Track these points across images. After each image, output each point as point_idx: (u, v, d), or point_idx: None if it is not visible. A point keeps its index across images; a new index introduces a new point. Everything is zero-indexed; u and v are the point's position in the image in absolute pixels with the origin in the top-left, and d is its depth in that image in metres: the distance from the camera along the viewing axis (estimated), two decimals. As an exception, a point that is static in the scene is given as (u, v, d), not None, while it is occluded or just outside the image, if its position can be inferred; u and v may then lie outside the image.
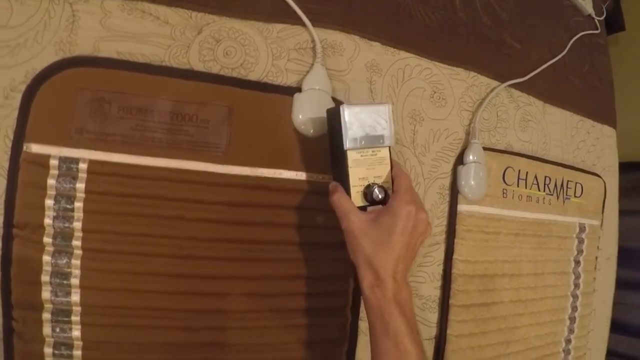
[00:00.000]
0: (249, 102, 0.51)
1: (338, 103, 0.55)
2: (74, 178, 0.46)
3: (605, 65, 0.95)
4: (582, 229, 0.83)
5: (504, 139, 0.74)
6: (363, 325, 0.59)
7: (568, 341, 0.82)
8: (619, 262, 0.97)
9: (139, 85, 0.47)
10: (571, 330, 0.82)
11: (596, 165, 0.89)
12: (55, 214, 0.46)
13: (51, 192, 0.46)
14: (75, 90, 0.46)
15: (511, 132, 0.75)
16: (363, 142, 0.48)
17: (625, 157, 0.99)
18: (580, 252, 0.83)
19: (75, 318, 0.46)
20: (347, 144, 0.47)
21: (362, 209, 0.48)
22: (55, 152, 0.46)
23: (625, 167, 1.00)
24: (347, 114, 0.47)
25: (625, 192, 0.98)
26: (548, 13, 0.86)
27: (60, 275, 0.46)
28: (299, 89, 0.54)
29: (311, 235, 0.54)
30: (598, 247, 0.87)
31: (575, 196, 0.82)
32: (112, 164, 0.47)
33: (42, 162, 0.45)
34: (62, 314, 0.46)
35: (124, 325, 0.48)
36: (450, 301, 0.65)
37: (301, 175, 0.54)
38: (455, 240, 0.66)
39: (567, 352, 0.82)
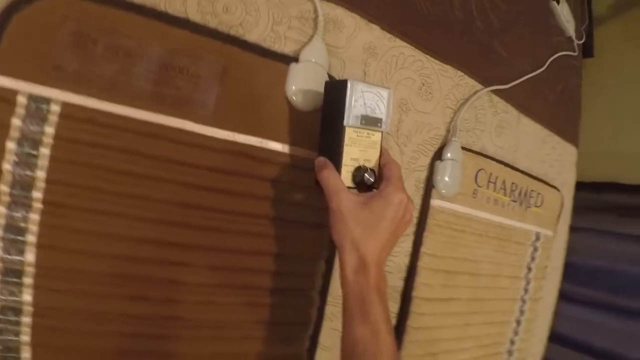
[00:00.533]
0: (244, 64, 0.48)
1: (332, 79, 0.54)
2: (43, 120, 0.41)
3: (577, 86, 1.00)
4: (537, 237, 0.87)
5: (480, 141, 0.76)
6: (328, 310, 0.58)
7: (512, 343, 0.85)
8: (564, 276, 1.02)
9: (130, 26, 0.43)
10: (516, 333, 0.86)
11: (556, 180, 0.93)
12: (16, 158, 0.40)
13: (15, 133, 0.40)
14: (58, 21, 0.41)
15: (487, 136, 0.77)
16: (363, 122, 0.47)
17: (582, 177, 1.04)
18: (533, 259, 0.86)
19: (28, 280, 0.41)
20: (350, 120, 0.46)
21: (350, 189, 0.47)
22: (25, 88, 0.40)
23: (577, 187, 1.05)
24: (354, 90, 0.46)
25: (577, 209, 1.04)
26: (535, 27, 0.89)
27: (15, 230, 0.41)
28: (295, 59, 0.52)
29: (288, 212, 0.53)
30: (548, 257, 0.91)
31: (535, 205, 0.85)
32: (88, 109, 0.42)
33: (8, 97, 0.39)
34: (12, 275, 0.41)
35: (81, 291, 0.43)
36: (413, 293, 0.66)
37: (287, 149, 0.51)
38: (425, 234, 0.66)
39: (510, 353, 0.85)
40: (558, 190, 0.91)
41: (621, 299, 1.20)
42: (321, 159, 0.48)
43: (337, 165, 0.47)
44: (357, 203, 0.44)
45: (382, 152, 0.50)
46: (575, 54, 0.99)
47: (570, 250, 1.03)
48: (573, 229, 1.03)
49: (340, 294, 0.58)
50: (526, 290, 0.86)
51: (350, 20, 0.57)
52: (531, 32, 0.87)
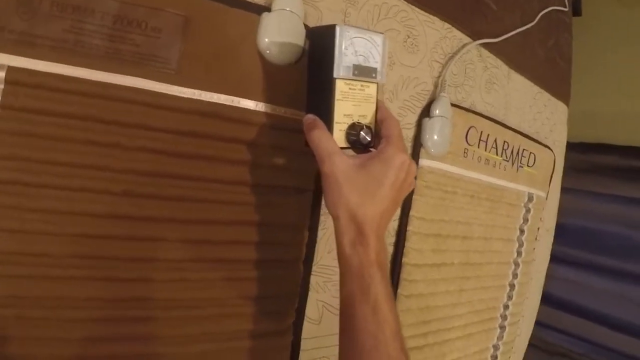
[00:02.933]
0: (210, 15, 0.44)
1: (317, 26, 0.49)
2: None
3: (568, 43, 0.98)
4: (530, 198, 0.85)
5: (470, 98, 0.73)
6: (313, 280, 0.55)
7: (506, 307, 0.85)
8: (556, 239, 1.01)
9: None
10: (510, 297, 0.85)
11: (548, 139, 0.91)
12: None
13: None
14: None
15: (476, 92, 0.74)
16: (355, 73, 0.43)
17: (570, 137, 1.03)
18: (525, 221, 0.85)
19: None
20: (340, 71, 0.42)
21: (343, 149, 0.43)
22: None
23: (569, 147, 1.04)
24: (344, 36, 0.41)
25: (568, 170, 1.02)
26: None
27: None
28: (267, 8, 0.47)
29: (266, 177, 0.49)
30: (541, 219, 0.90)
31: (528, 165, 0.83)
32: (37, 73, 0.38)
33: None
34: None
35: (42, 276, 0.39)
36: (404, 259, 0.64)
37: (261, 107, 0.47)
38: (414, 197, 0.64)
39: (504, 317, 0.84)
40: (550, 149, 0.89)
41: (608, 259, 1.21)
42: (310, 116, 0.44)
43: (328, 124, 0.43)
44: (352, 166, 0.41)
45: (379, 107, 0.46)
46: (566, 9, 0.96)
47: (558, 211, 1.02)
48: (563, 190, 1.02)
49: (326, 263, 0.56)
50: (519, 253, 0.84)
51: None
52: None
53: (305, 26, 0.49)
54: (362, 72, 0.43)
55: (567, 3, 0.97)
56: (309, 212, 0.52)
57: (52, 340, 0.41)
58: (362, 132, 0.43)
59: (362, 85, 0.44)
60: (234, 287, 0.49)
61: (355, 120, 0.44)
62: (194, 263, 0.46)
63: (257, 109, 0.47)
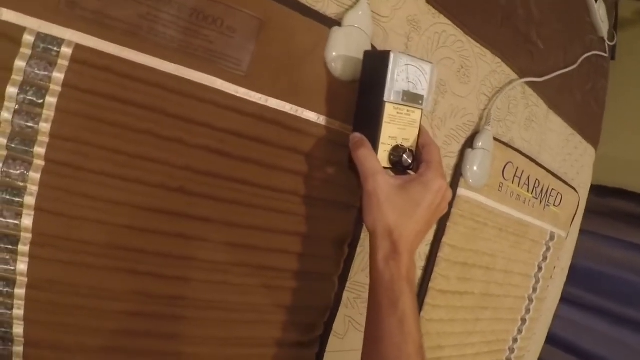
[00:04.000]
0: (284, 21, 0.41)
1: (373, 49, 0.47)
2: (52, 64, 0.34)
3: (604, 88, 0.94)
4: (552, 237, 0.81)
5: (509, 133, 0.69)
6: (344, 295, 0.52)
7: (515, 340, 0.81)
8: (570, 280, 0.98)
9: None
10: (520, 331, 0.81)
11: (575, 180, 0.88)
12: (17, 107, 0.33)
13: (18, 77, 0.33)
14: None
15: (516, 128, 0.70)
16: (404, 98, 0.41)
17: (593, 180, 0.99)
18: (545, 258, 0.81)
19: (23, 248, 0.35)
20: (391, 95, 0.40)
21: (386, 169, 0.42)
22: (33, 25, 0.33)
23: (591, 189, 1.00)
24: (398, 63, 0.40)
25: (585, 212, 0.98)
26: (571, 23, 0.82)
27: (11, 191, 0.34)
28: (338, 23, 0.44)
29: (317, 189, 0.46)
30: (558, 258, 0.86)
31: (554, 205, 0.79)
32: (105, 55, 0.35)
33: (12, 35, 0.33)
34: (5, 240, 0.34)
35: (83, 263, 0.36)
36: (430, 284, 0.60)
37: (322, 120, 0.44)
38: (448, 224, 0.60)
39: (512, 350, 0.80)
40: (576, 191, 0.86)
41: (612, 304, 1.17)
42: (357, 135, 0.43)
43: (374, 144, 0.41)
44: (394, 186, 0.40)
45: (422, 132, 0.44)
46: (606, 55, 0.93)
47: (574, 252, 0.98)
48: (580, 232, 0.98)
49: (359, 280, 0.53)
50: (534, 290, 0.80)
51: None
52: (567, 27, 0.80)
53: (372, 45, 0.46)
54: (410, 98, 0.42)
55: (607, 49, 0.94)
56: (352, 229, 0.49)
57: (83, 329, 0.38)
58: (404, 155, 0.42)
59: (408, 110, 0.43)
60: (271, 295, 0.45)
61: (399, 142, 0.43)
62: (236, 267, 0.43)
63: (318, 122, 0.44)
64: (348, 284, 0.52)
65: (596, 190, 1.10)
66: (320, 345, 0.51)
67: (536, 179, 0.73)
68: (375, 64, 0.42)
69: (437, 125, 0.58)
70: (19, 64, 0.33)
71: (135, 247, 0.38)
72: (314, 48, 0.43)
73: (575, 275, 1.11)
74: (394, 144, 0.43)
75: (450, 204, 0.60)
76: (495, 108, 0.64)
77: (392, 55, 0.40)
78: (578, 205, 0.87)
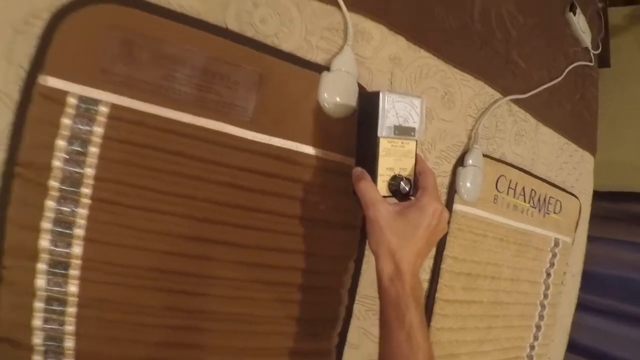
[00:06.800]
0: (280, 72, 0.49)
1: (361, 89, 0.54)
2: (92, 121, 0.41)
3: (594, 96, 0.99)
4: (556, 243, 0.86)
5: (500, 149, 0.76)
6: (355, 308, 0.58)
7: (532, 347, 0.84)
8: (581, 286, 1.00)
9: (174, 34, 0.44)
10: (536, 338, 0.84)
11: (574, 187, 0.92)
12: (66, 156, 0.41)
13: (65, 132, 0.41)
14: (106, 27, 0.42)
15: (506, 144, 0.77)
16: (396, 132, 0.47)
17: (598, 187, 1.03)
18: (552, 265, 0.85)
19: (74, 272, 0.41)
20: (382, 131, 0.46)
21: (385, 198, 0.47)
22: (75, 89, 0.41)
23: (597, 196, 1.03)
24: (387, 101, 0.46)
25: (593, 219, 1.02)
26: (552, 38, 0.88)
27: (63, 224, 0.41)
28: (327, 68, 0.53)
29: (319, 213, 0.53)
30: (567, 264, 0.90)
31: (554, 212, 0.84)
32: (135, 111, 0.43)
33: (58, 98, 0.40)
34: (59, 267, 0.41)
35: (125, 284, 0.44)
36: (437, 295, 0.66)
37: (319, 153, 0.52)
38: (448, 238, 0.66)
39: (530, 357, 0.84)
40: (576, 197, 0.90)
41: (635, 308, 1.17)
42: (358, 169, 0.49)
43: (373, 176, 0.47)
44: (393, 213, 0.45)
45: (418, 161, 0.50)
46: (592, 64, 0.99)
47: (588, 259, 1.01)
48: (590, 238, 1.01)
49: (368, 293, 0.59)
50: (545, 296, 0.85)
51: (377, 31, 0.58)
52: (548, 43, 0.87)
53: (359, 84, 0.54)
54: (402, 132, 0.47)
55: (592, 58, 0.99)
56: (355, 246, 0.56)
57: (124, 341, 0.44)
58: (402, 183, 0.47)
59: (402, 143, 0.48)
60: (284, 308, 0.52)
61: (397, 172, 0.48)
62: (252, 283, 0.50)
63: (316, 154, 0.52)
64: (358, 297, 0.58)
65: (606, 196, 1.14)
66: (337, 355, 0.57)
67: (531, 189, 0.79)
68: (368, 104, 0.48)
69: (427, 148, 0.65)
70: (65, 121, 0.41)
71: (167, 269, 0.45)
72: (308, 92, 0.52)
73: (595, 282, 1.14)
74: (392, 174, 0.48)
75: (449, 220, 0.66)
76: (482, 127, 0.71)
77: (381, 95, 0.46)
78: (580, 211, 0.92)
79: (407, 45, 0.62)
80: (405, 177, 0.48)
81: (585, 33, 0.97)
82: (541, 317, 0.84)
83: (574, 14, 0.94)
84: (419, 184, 0.48)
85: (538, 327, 0.84)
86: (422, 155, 0.61)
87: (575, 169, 0.93)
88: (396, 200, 0.49)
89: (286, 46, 0.51)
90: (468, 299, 0.70)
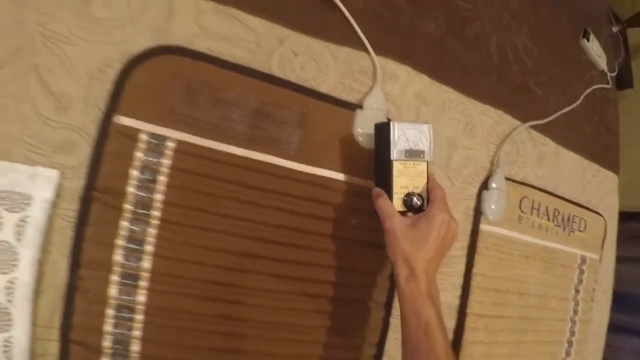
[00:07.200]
0: (320, 111, 0.55)
1: (380, 122, 0.58)
2: (161, 154, 0.47)
3: (614, 117, 0.99)
4: (583, 260, 0.86)
5: (522, 172, 0.78)
6: (393, 322, 0.61)
7: (564, 363, 0.84)
8: (614, 307, 0.98)
9: (228, 81, 0.50)
10: (568, 353, 0.84)
11: (599, 206, 0.92)
12: (138, 183, 0.46)
13: (137, 163, 0.46)
14: (170, 75, 0.48)
15: (528, 167, 0.79)
16: (407, 155, 0.52)
17: (628, 207, 1.01)
18: (580, 281, 0.86)
19: (143, 283, 0.46)
20: (394, 155, 0.51)
21: (402, 213, 0.51)
22: (146, 127, 0.46)
23: (627, 216, 1.02)
24: (397, 129, 0.51)
25: (624, 239, 1.00)
26: (567, 65, 0.91)
27: (135, 241, 0.46)
28: (360, 106, 0.58)
29: (354, 233, 0.57)
30: (596, 280, 0.90)
31: (579, 230, 0.85)
32: (197, 146, 0.48)
33: (131, 134, 0.46)
34: (130, 278, 0.45)
35: (187, 294, 0.48)
36: (467, 310, 0.67)
37: (353, 180, 0.57)
38: (476, 256, 0.69)
39: (563, 373, 0.84)
40: (601, 215, 0.91)
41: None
42: (376, 189, 0.54)
43: (389, 194, 0.52)
44: (406, 224, 0.49)
45: (429, 179, 0.54)
46: (609, 86, 0.99)
47: (621, 279, 0.99)
48: (622, 259, 0.99)
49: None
50: (575, 312, 0.84)
51: (402, 71, 0.63)
52: (564, 70, 0.89)
53: (388, 119, 0.59)
54: (413, 154, 0.52)
55: (610, 80, 1.00)
56: (388, 264, 0.59)
57: (182, 345, 0.48)
58: (414, 199, 0.51)
59: (414, 164, 0.52)
60: (323, 318, 0.56)
61: (410, 189, 0.52)
62: (297, 295, 0.54)
63: (351, 181, 0.57)
64: (394, 311, 0.61)
65: (635, 216, 1.12)
66: (375, 364, 0.60)
67: (555, 209, 0.80)
68: (382, 133, 0.53)
69: (453, 175, 0.68)
70: (138, 154, 0.46)
71: (222, 281, 0.50)
72: (344, 127, 0.57)
73: (626, 302, 1.11)
74: (406, 191, 0.52)
75: (475, 239, 0.69)
76: (504, 153, 0.74)
77: (391, 124, 0.51)
78: (606, 228, 0.92)
79: (430, 83, 0.66)
80: (418, 194, 0.52)
81: (601, 57, 0.98)
82: (572, 333, 0.84)
83: (588, 40, 0.96)
84: (429, 198, 0.52)
85: (570, 343, 0.84)
86: (434, 175, 0.64)
87: (598, 188, 0.93)
88: (412, 214, 0.53)
89: (324, 88, 0.57)
90: (497, 314, 0.71)
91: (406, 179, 0.52)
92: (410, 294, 0.46)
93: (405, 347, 0.46)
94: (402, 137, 0.52)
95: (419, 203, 0.52)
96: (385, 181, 0.53)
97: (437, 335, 0.44)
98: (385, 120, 0.59)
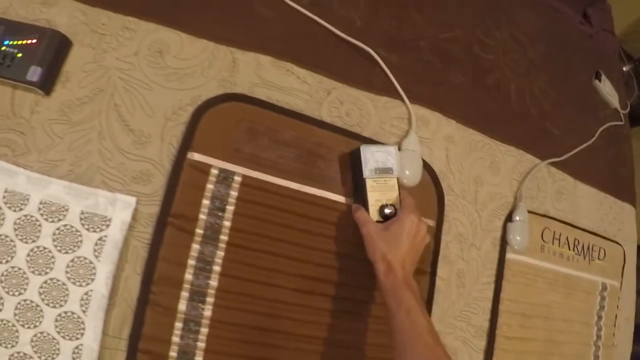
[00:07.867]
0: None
1: (425, 164, 0.63)
2: (229, 186, 0.51)
3: (628, 152, 1.00)
4: (604, 287, 0.86)
5: (543, 206, 0.79)
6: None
7: (590, 387, 0.84)
8: (636, 339, 0.96)
9: (285, 125, 0.55)
10: (593, 378, 0.84)
11: (617, 235, 0.91)
12: (208, 211, 0.49)
13: (208, 193, 0.50)
14: (235, 119, 0.52)
15: (548, 201, 0.80)
16: (377, 172, 0.55)
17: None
18: (602, 307, 0.85)
19: (210, 299, 0.48)
20: (366, 173, 0.55)
21: (380, 223, 0.54)
22: (216, 163, 0.51)
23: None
24: (366, 152, 0.56)
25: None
26: (582, 105, 0.92)
27: (204, 262, 0.48)
28: (398, 148, 0.61)
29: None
30: (617, 306, 0.90)
31: (599, 258, 0.86)
32: (260, 180, 0.52)
33: (203, 169, 0.50)
34: (198, 295, 0.48)
35: (249, 311, 0.50)
36: (497, 331, 0.69)
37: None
38: (503, 282, 0.70)
39: (589, 397, 0.83)
40: (619, 244, 0.90)
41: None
42: (355, 204, 0.57)
43: (366, 207, 0.55)
44: (380, 228, 0.52)
45: (400, 191, 0.57)
46: (622, 122, 1.00)
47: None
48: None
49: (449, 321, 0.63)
50: (598, 337, 0.84)
51: (433, 117, 0.67)
52: (579, 110, 0.91)
53: (422, 160, 0.63)
54: (382, 172, 0.55)
55: (622, 117, 1.01)
56: (425, 287, 0.62)
57: (241, 357, 0.50)
58: (385, 209, 0.54)
59: (385, 180, 0.56)
60: (368, 336, 0.58)
61: (384, 202, 0.55)
62: (341, 313, 0.56)
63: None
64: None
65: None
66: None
67: (575, 238, 0.82)
68: (355, 157, 0.56)
69: (480, 208, 0.70)
70: (209, 186, 0.50)
71: (282, 300, 0.53)
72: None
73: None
74: (380, 204, 0.55)
75: (502, 266, 0.71)
76: (526, 188, 0.76)
77: (361, 148, 0.55)
78: (625, 257, 0.92)
79: (458, 126, 0.70)
80: (390, 204, 0.55)
81: (613, 96, 0.99)
82: (597, 357, 0.85)
83: (600, 81, 0.98)
84: (400, 205, 0.55)
85: (594, 367, 0.84)
86: (471, 210, 0.69)
87: (615, 219, 0.93)
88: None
89: (366, 132, 0.61)
90: (525, 336, 0.72)
91: (379, 193, 0.55)
92: (391, 285, 0.48)
93: (394, 334, 0.47)
94: (371, 158, 0.56)
95: (392, 212, 0.55)
96: (361, 196, 0.56)
97: (418, 317, 0.46)
98: (421, 161, 0.62)
